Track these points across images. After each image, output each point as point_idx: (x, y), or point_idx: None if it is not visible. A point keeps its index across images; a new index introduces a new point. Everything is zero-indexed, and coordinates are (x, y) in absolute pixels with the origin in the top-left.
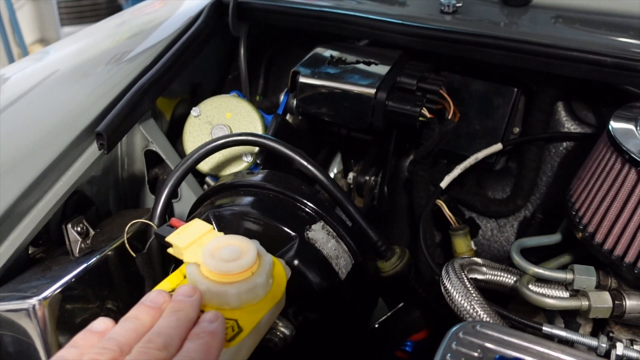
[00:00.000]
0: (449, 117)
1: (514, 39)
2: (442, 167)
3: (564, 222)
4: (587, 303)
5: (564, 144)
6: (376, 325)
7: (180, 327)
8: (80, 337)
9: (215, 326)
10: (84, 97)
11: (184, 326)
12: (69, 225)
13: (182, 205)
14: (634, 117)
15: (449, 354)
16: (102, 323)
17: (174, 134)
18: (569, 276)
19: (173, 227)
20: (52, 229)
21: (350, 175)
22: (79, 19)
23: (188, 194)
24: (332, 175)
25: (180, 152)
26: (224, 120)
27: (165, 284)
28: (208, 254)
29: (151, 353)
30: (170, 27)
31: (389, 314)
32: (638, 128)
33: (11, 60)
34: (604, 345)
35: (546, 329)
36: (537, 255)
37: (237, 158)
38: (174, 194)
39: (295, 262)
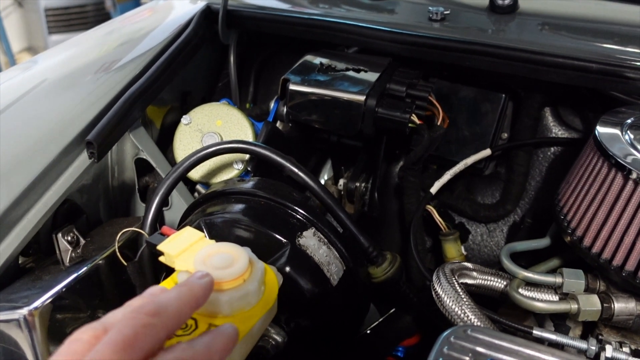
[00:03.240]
0: (438, 123)
1: (502, 46)
2: (431, 172)
3: (553, 226)
4: (576, 306)
5: (552, 149)
6: (368, 331)
7: (180, 299)
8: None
9: (231, 331)
10: (73, 105)
11: (185, 300)
12: (60, 235)
13: (173, 213)
14: (620, 122)
15: (440, 359)
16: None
17: (164, 142)
18: (558, 280)
19: (164, 235)
20: (42, 238)
21: (341, 181)
22: (67, 27)
23: (179, 202)
24: (322, 182)
25: (171, 160)
26: (215, 128)
27: None
28: (200, 262)
29: (139, 318)
30: (159, 36)
31: (380, 320)
32: (624, 133)
33: None
34: (593, 347)
35: (536, 332)
36: (526, 260)
37: (227, 166)
38: (164, 202)
39: (287, 269)
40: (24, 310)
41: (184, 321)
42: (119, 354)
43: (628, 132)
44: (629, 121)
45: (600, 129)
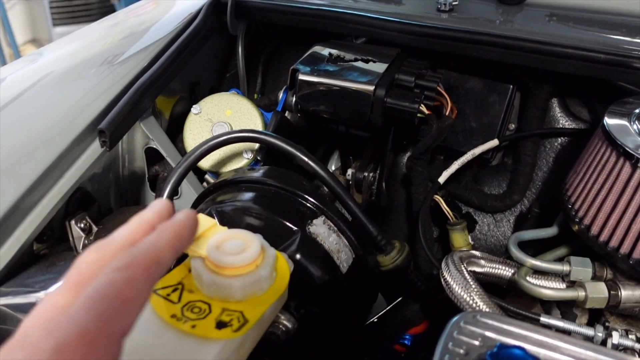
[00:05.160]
0: (447, 113)
1: (509, 37)
2: (439, 163)
3: (560, 215)
4: (583, 294)
5: (559, 139)
6: (375, 319)
7: (157, 244)
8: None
9: (183, 218)
10: (84, 95)
11: (165, 243)
12: (73, 222)
13: (183, 202)
14: (628, 112)
15: (450, 343)
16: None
17: (173, 132)
18: (565, 268)
19: None
20: (55, 225)
21: (349, 171)
22: (71, 19)
23: (188, 191)
24: None
25: (181, 150)
26: (225, 118)
27: (170, 278)
28: (213, 248)
29: (109, 278)
30: (167, 26)
31: (388, 308)
32: (632, 123)
33: (3, 60)
34: (600, 334)
35: (544, 319)
36: (534, 249)
37: (237, 155)
38: (175, 191)
39: (298, 256)
40: (41, 294)
41: (168, 266)
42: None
43: (636, 122)
44: (637, 111)
45: (609, 119)
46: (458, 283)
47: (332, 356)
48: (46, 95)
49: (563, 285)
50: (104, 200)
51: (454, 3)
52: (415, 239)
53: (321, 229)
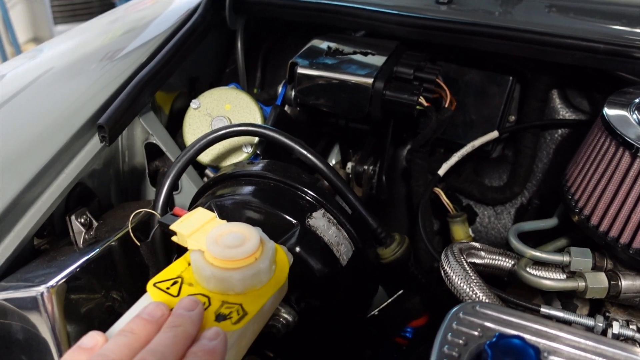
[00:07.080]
0: (446, 105)
1: (509, 28)
2: (439, 155)
3: (560, 206)
4: (583, 284)
5: (559, 130)
6: (376, 312)
7: (177, 344)
8: (68, 355)
9: (215, 344)
10: (83, 91)
11: (182, 343)
12: (73, 217)
13: (183, 197)
14: (627, 102)
15: (449, 334)
16: (91, 339)
17: (173, 127)
18: (565, 258)
19: (176, 216)
20: (56, 220)
21: (349, 165)
22: (72, 17)
23: (189, 186)
24: None
25: (180, 145)
26: (224, 112)
27: (169, 271)
28: (212, 241)
29: None
30: (166, 22)
31: (389, 301)
32: (631, 113)
33: (4, 59)
34: (600, 324)
35: (544, 310)
36: (534, 240)
37: (237, 149)
38: (175, 185)
39: (297, 249)
40: (42, 288)
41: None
42: None
43: (636, 111)
44: (636, 101)
45: (608, 109)
46: (457, 274)
47: (333, 349)
48: (46, 91)
49: (563, 276)
50: (105, 195)
51: None
52: (416, 231)
53: (321, 222)
